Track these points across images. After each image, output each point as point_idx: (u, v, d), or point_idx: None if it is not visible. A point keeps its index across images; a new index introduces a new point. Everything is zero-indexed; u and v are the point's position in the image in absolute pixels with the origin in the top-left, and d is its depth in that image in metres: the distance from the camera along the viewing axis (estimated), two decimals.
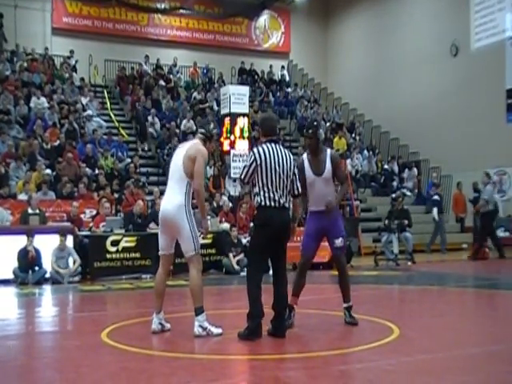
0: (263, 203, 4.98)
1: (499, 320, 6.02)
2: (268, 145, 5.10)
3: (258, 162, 5.00)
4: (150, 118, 17.05)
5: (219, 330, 5.09)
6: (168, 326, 5.39)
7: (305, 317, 5.92)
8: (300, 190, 5.20)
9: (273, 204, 4.97)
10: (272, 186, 4.98)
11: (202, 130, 5.43)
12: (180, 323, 5.66)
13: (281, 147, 5.16)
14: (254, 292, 4.95)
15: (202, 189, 5.13)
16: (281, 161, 5.04)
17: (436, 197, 15.40)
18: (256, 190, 5.04)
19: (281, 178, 5.01)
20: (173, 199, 5.10)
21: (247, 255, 5.29)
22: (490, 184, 13.89)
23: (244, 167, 5.10)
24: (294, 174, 5.12)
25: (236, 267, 11.17)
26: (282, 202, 5.01)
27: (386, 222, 12.66)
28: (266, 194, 4.97)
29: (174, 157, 5.24)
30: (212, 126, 5.72)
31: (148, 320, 5.55)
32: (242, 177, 5.11)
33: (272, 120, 5.22)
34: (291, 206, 5.21)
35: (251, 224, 5.72)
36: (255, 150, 5.10)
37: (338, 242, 5.43)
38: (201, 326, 5.04)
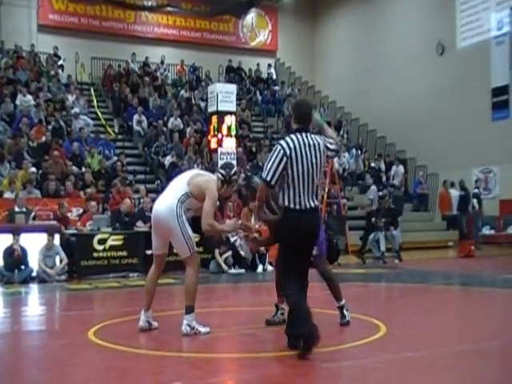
0: (289, 206, 4.31)
1: (485, 317, 6.06)
2: (298, 135, 4.39)
3: (288, 156, 4.28)
4: (136, 116, 16.97)
5: (207, 329, 5.09)
6: (155, 324, 5.38)
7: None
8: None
9: (299, 207, 4.31)
10: (300, 185, 4.29)
11: (222, 172, 5.23)
12: (168, 322, 5.65)
13: (312, 138, 4.42)
14: (298, 310, 4.18)
15: (212, 228, 5.00)
16: (312, 155, 4.34)
17: (475, 190, 15.69)
18: (281, 189, 4.35)
19: (311, 176, 4.34)
20: (165, 201, 5.12)
21: (281, 272, 4.54)
22: (374, 185, 14.29)
23: (268, 164, 4.30)
24: (324, 153, 4.46)
25: (224, 266, 11.14)
26: (310, 204, 4.34)
27: (373, 220, 12.70)
28: (292, 195, 4.30)
29: (179, 176, 5.28)
30: (235, 169, 5.36)
31: (135, 319, 5.52)
32: (269, 178, 4.28)
33: (305, 106, 4.52)
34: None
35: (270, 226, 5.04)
36: (282, 142, 4.38)
37: (314, 251, 5.09)
38: (189, 325, 5.04)
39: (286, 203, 4.34)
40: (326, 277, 5.42)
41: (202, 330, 5.05)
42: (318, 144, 4.42)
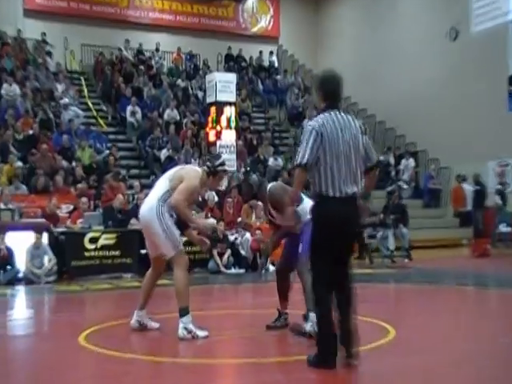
0: (324, 192, 3.99)
1: (501, 319, 6.06)
2: (329, 114, 4.06)
3: (321, 136, 3.97)
4: (130, 106, 16.96)
5: (205, 333, 5.09)
6: (153, 325, 5.44)
7: (294, 318, 5.93)
8: (374, 158, 4.23)
9: (337, 194, 3.98)
10: (336, 169, 3.97)
11: (208, 164, 5.36)
12: (164, 325, 5.65)
13: (346, 117, 4.12)
14: (321, 309, 4.04)
15: (179, 204, 5.02)
16: (348, 135, 4.03)
17: (498, 186, 15.75)
18: (314, 174, 4.03)
19: (348, 159, 4.02)
20: (147, 201, 5.26)
21: (310, 265, 4.23)
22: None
23: (302, 147, 4.00)
24: (363, 144, 4.13)
25: (222, 266, 11.16)
26: (348, 191, 4.01)
27: (382, 216, 12.69)
28: (329, 181, 3.97)
29: (164, 175, 5.40)
30: (222, 159, 5.43)
31: (129, 322, 5.53)
32: (305, 160, 3.93)
33: (334, 80, 4.18)
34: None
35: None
36: (312, 122, 4.07)
37: (300, 246, 5.01)
38: (185, 328, 5.04)
39: (319, 189, 4.00)
40: (302, 280, 5.11)
41: (200, 333, 5.06)
42: (354, 123, 4.11)
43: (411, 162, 18.47)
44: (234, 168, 14.77)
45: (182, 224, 5.33)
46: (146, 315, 5.47)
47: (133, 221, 11.14)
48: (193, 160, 15.49)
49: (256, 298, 8.72)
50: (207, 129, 15.22)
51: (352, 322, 4.06)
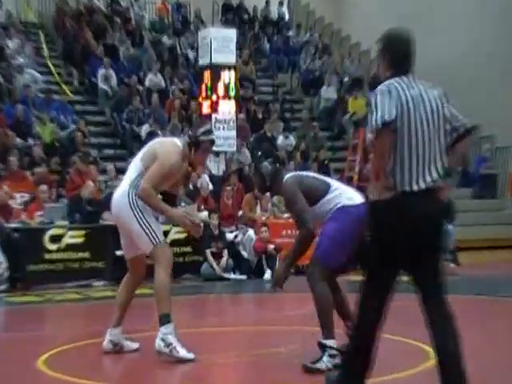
0: (398, 186, 3.68)
1: None
2: (401, 82, 3.81)
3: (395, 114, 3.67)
4: (102, 70, 16.91)
5: (189, 355, 5.06)
6: (129, 345, 5.46)
7: (313, 336, 5.91)
8: (464, 123, 3.96)
9: (414, 188, 3.68)
10: (414, 154, 3.71)
11: (189, 133, 5.46)
12: (144, 346, 5.62)
13: (423, 86, 3.90)
14: (360, 327, 3.93)
15: (145, 195, 5.12)
16: (427, 108, 3.79)
17: None
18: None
19: (429, 138, 3.76)
20: (119, 188, 5.32)
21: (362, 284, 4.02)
22: None
23: (377, 106, 3.68)
24: (447, 116, 3.85)
25: (218, 270, 11.13)
26: (428, 181, 3.72)
27: None
28: (406, 171, 3.68)
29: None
30: (207, 127, 5.53)
31: (100, 342, 5.53)
32: (387, 115, 3.65)
33: (405, 39, 4.01)
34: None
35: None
36: (382, 87, 3.79)
37: (317, 238, 5.12)
38: (163, 340, 5.03)
39: (397, 182, 3.69)
40: (314, 292, 5.12)
41: (181, 352, 5.03)
42: (433, 94, 3.88)
43: None
44: (234, 148, 14.73)
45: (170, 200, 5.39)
46: (121, 334, 5.46)
47: (106, 214, 11.09)
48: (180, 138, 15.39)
49: (259, 311, 8.71)
50: (200, 99, 15.15)
51: (451, 335, 3.82)
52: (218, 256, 11.24)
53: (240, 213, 12.57)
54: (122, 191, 5.24)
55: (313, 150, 16.39)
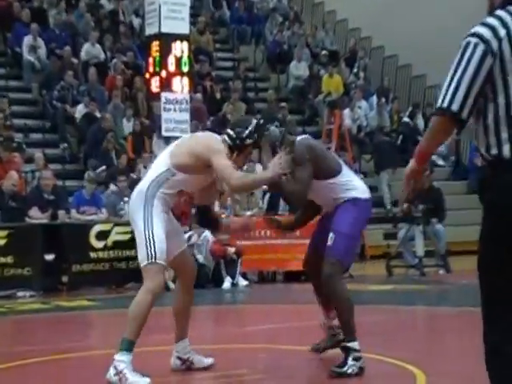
0: (506, 156, 3.28)
1: None
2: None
3: (496, 53, 3.29)
4: (28, 38, 16.73)
5: (145, 380, 5.03)
6: (201, 360, 5.54)
7: (282, 356, 5.93)
8: None
9: None
10: None
11: (230, 133, 5.29)
12: (81, 367, 5.58)
13: None
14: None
15: (243, 184, 5.27)
16: None
17: None
18: (479, 126, 3.39)
19: None
20: (139, 184, 5.33)
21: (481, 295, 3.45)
22: None
23: (453, 80, 3.35)
24: None
25: (166, 278, 11.07)
26: None
27: (405, 206, 12.71)
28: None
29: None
30: (253, 126, 5.30)
31: (28, 364, 5.49)
32: (457, 104, 3.28)
33: None
34: None
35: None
36: (480, 28, 3.33)
37: (328, 238, 5.39)
38: (115, 368, 5.00)
39: (493, 152, 3.31)
40: (330, 290, 5.45)
41: (132, 377, 5.00)
42: None
43: None
44: (188, 133, 14.63)
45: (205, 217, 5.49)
46: (189, 347, 5.55)
47: (33, 211, 11.01)
48: (124, 120, 15.36)
49: (217, 327, 8.69)
50: (147, 75, 15.06)
51: None
52: None
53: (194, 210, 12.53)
54: (138, 188, 5.24)
55: None
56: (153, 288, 5.14)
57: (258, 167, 13.07)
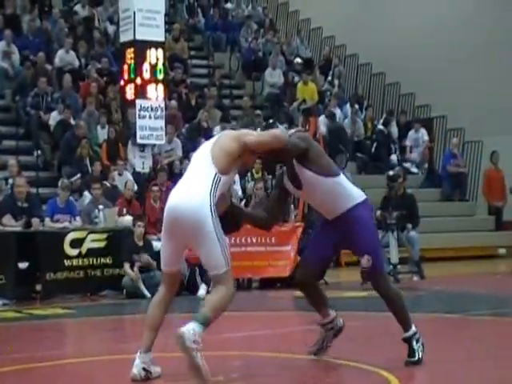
0: None
1: None
2: None
3: None
4: (2, 44, 16.62)
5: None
6: (157, 370, 5.53)
7: (257, 363, 5.94)
8: None
9: None
10: None
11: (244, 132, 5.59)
12: (58, 375, 5.54)
13: None
14: None
15: (279, 138, 5.47)
16: None
17: None
18: None
19: None
20: (192, 191, 5.28)
21: None
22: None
23: None
24: None
25: (142, 287, 11.02)
26: None
27: (379, 213, 12.74)
28: None
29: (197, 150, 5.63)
30: (261, 125, 6.14)
31: (2, 372, 5.44)
32: None
33: None
34: None
35: None
36: None
37: (364, 261, 5.84)
38: (195, 335, 5.06)
39: None
40: (383, 297, 5.98)
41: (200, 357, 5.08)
42: None
43: (423, 133, 18.61)
44: (163, 140, 14.63)
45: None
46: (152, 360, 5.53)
47: (6, 219, 10.93)
48: (99, 127, 15.29)
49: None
50: (121, 82, 15.00)
51: None
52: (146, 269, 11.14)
53: None
54: (200, 196, 5.24)
55: None
56: (232, 286, 5.34)
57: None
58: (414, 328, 5.89)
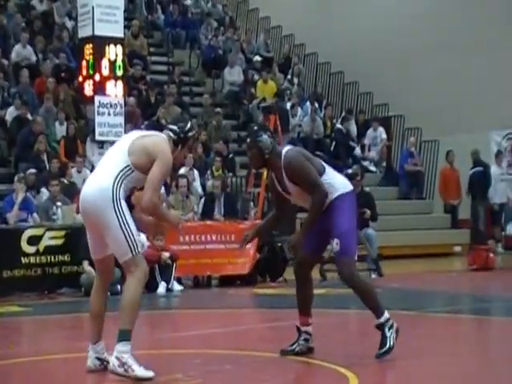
0: None
1: (507, 362, 6.21)
2: None
3: None
4: None
5: (148, 373, 5.17)
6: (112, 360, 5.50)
7: (215, 361, 5.94)
8: None
9: None
10: None
11: (174, 128, 5.67)
12: (14, 374, 5.49)
13: None
14: None
15: (154, 209, 5.41)
16: None
17: None
18: None
19: None
20: (97, 180, 5.42)
21: None
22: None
23: None
24: None
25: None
26: None
27: None
28: None
29: (116, 142, 5.71)
30: (190, 125, 5.79)
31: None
32: None
33: None
34: None
35: None
36: None
37: (334, 245, 5.89)
38: (118, 359, 5.15)
39: None
40: (349, 286, 6.05)
41: (138, 370, 5.13)
42: None
43: (381, 132, 18.70)
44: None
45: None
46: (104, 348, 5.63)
47: None
48: (57, 123, 15.17)
49: (151, 332, 8.61)
50: (80, 78, 14.89)
51: None
52: None
53: (184, 217, 12.41)
54: (101, 186, 5.32)
55: (215, 142, 16.38)
56: (141, 276, 5.40)
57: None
58: (386, 315, 5.99)
